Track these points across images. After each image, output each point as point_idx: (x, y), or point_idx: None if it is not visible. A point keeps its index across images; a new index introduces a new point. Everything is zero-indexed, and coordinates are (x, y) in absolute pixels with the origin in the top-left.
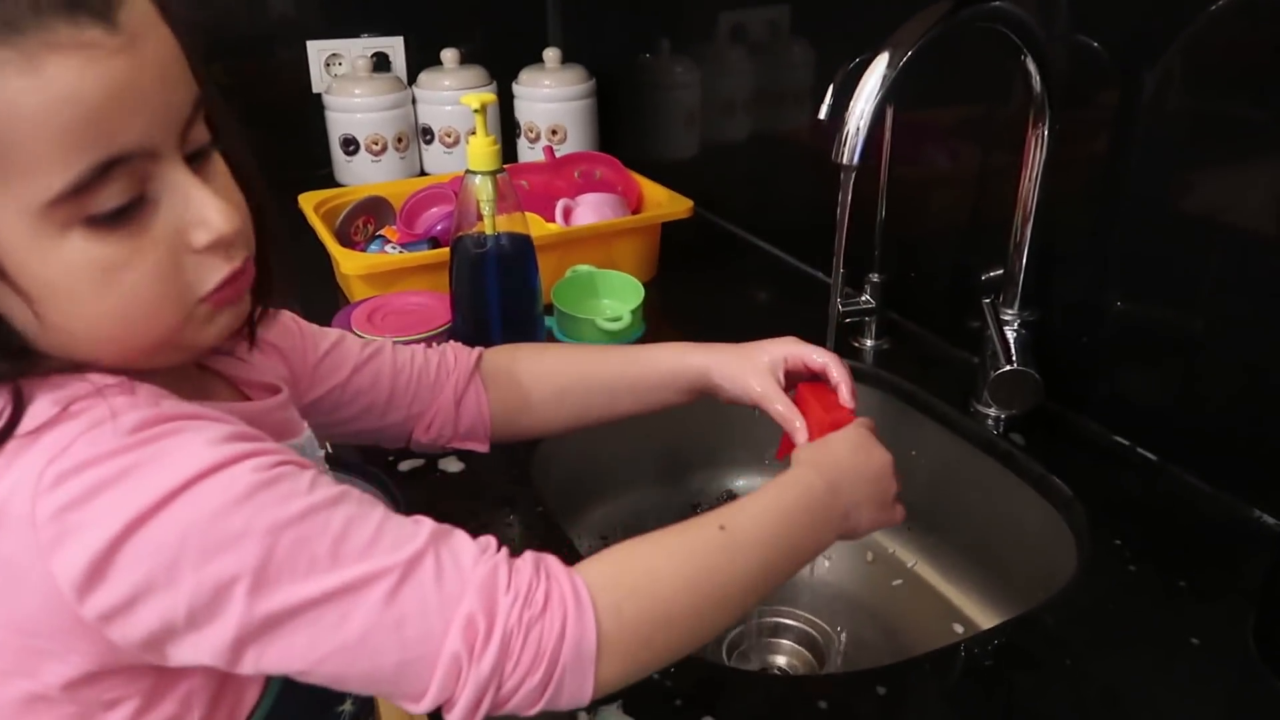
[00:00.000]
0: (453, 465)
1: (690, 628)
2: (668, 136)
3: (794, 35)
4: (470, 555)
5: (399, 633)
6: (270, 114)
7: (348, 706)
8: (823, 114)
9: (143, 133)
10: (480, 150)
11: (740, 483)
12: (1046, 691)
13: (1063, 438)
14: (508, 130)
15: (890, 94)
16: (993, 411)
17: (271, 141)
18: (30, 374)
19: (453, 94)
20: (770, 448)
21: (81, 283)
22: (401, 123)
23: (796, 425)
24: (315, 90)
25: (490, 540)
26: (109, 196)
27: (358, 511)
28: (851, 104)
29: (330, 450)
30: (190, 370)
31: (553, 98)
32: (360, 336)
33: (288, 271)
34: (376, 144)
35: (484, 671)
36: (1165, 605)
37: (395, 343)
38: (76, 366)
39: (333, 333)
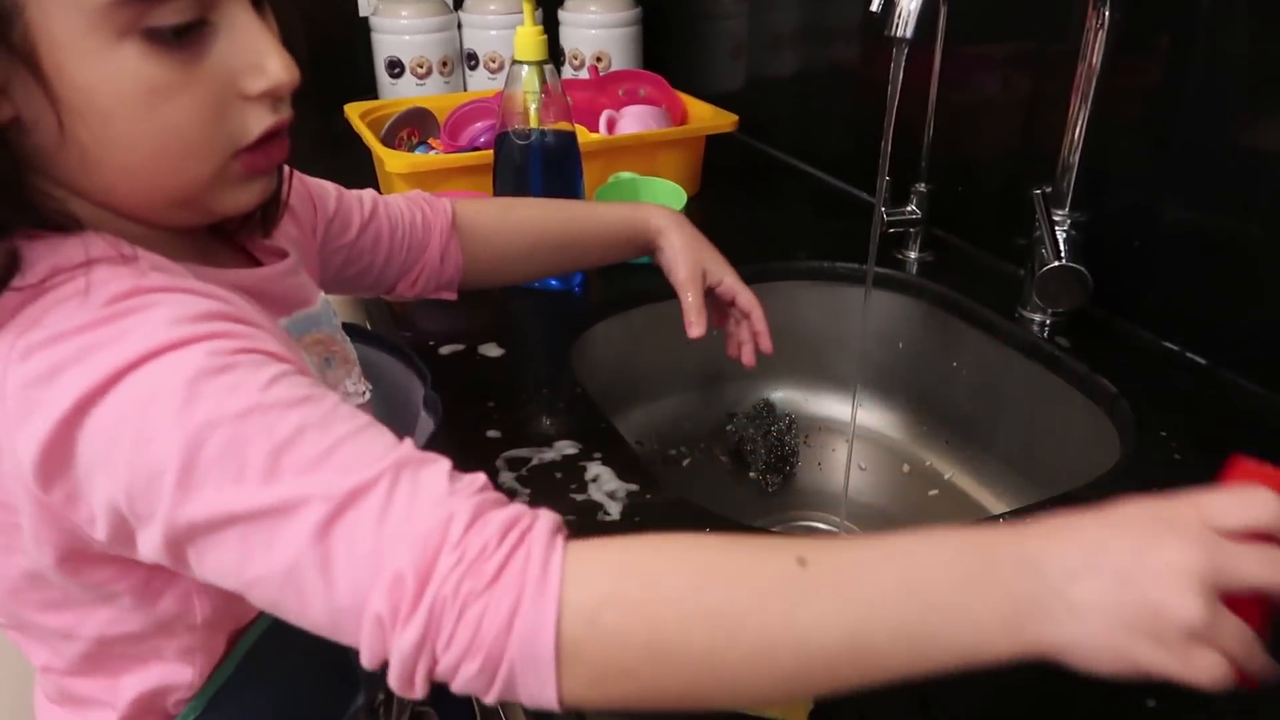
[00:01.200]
0: (493, 350)
1: (703, 678)
2: (713, 65)
3: None
4: (435, 493)
5: (325, 575)
6: (317, 36)
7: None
8: (875, 5)
9: None
10: (527, 40)
11: (778, 394)
12: None
13: (1110, 342)
14: (553, 57)
15: None
16: (1038, 317)
17: (318, 61)
18: (25, 221)
19: (498, 19)
20: (813, 361)
21: (125, 100)
22: (447, 46)
23: (701, 320)
24: (362, 14)
25: (478, 478)
26: (174, 10)
27: (317, 420)
28: None
29: (366, 325)
30: (198, 231)
31: (598, 24)
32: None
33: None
34: (421, 67)
35: (406, 644)
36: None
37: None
38: (76, 222)
39: (329, 186)
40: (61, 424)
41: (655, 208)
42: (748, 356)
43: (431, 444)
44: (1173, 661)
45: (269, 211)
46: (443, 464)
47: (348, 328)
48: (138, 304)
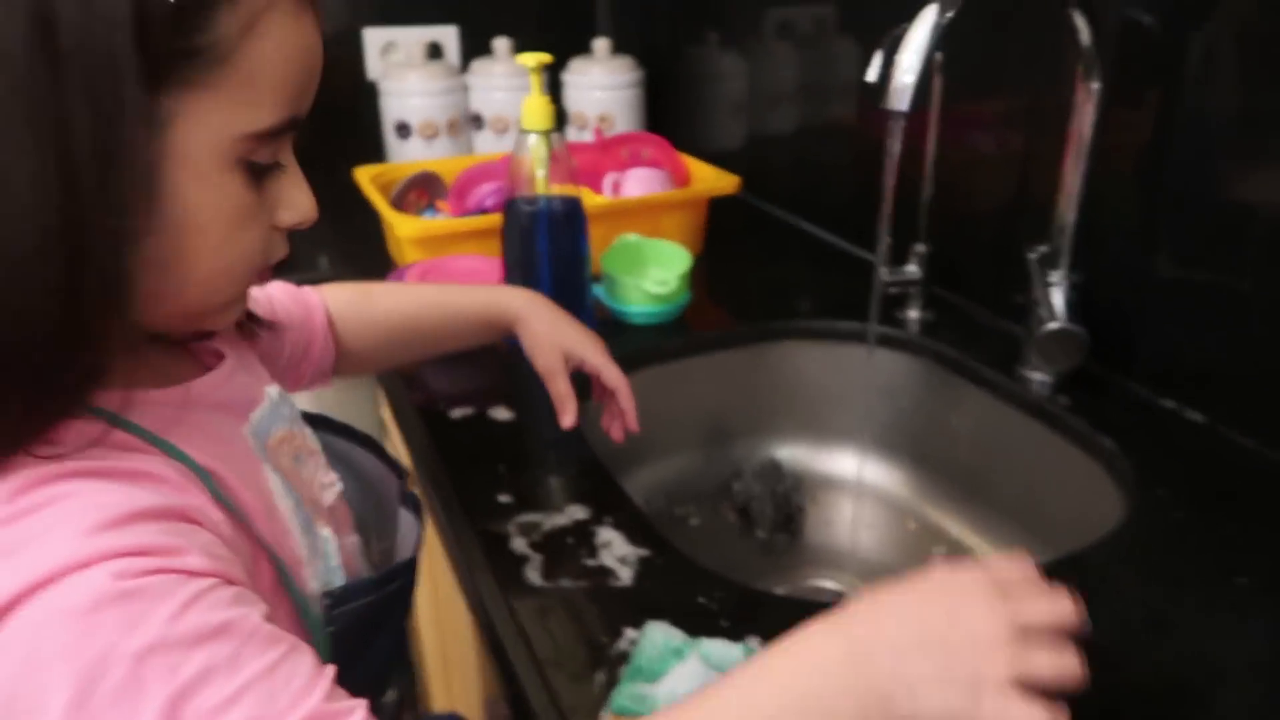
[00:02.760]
0: (502, 413)
1: None
2: (714, 125)
3: (839, 30)
4: None
5: None
6: (326, 100)
7: (390, 697)
8: (871, 75)
9: (308, 108)
10: (534, 109)
11: (784, 452)
12: (1094, 619)
13: (1109, 399)
14: (558, 119)
15: (937, 46)
16: (1038, 375)
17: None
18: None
19: (504, 80)
20: (817, 419)
21: (220, 220)
22: (454, 109)
23: (569, 407)
24: (370, 78)
25: None
26: (274, 150)
27: (226, 658)
28: (899, 54)
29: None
30: (171, 346)
31: (601, 86)
32: None
33: None
34: (429, 129)
35: None
36: (1212, 548)
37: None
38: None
39: None
40: None
41: (514, 292)
42: (616, 434)
43: (415, 547)
44: (1003, 710)
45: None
46: (356, 717)
47: (313, 418)
48: (53, 494)
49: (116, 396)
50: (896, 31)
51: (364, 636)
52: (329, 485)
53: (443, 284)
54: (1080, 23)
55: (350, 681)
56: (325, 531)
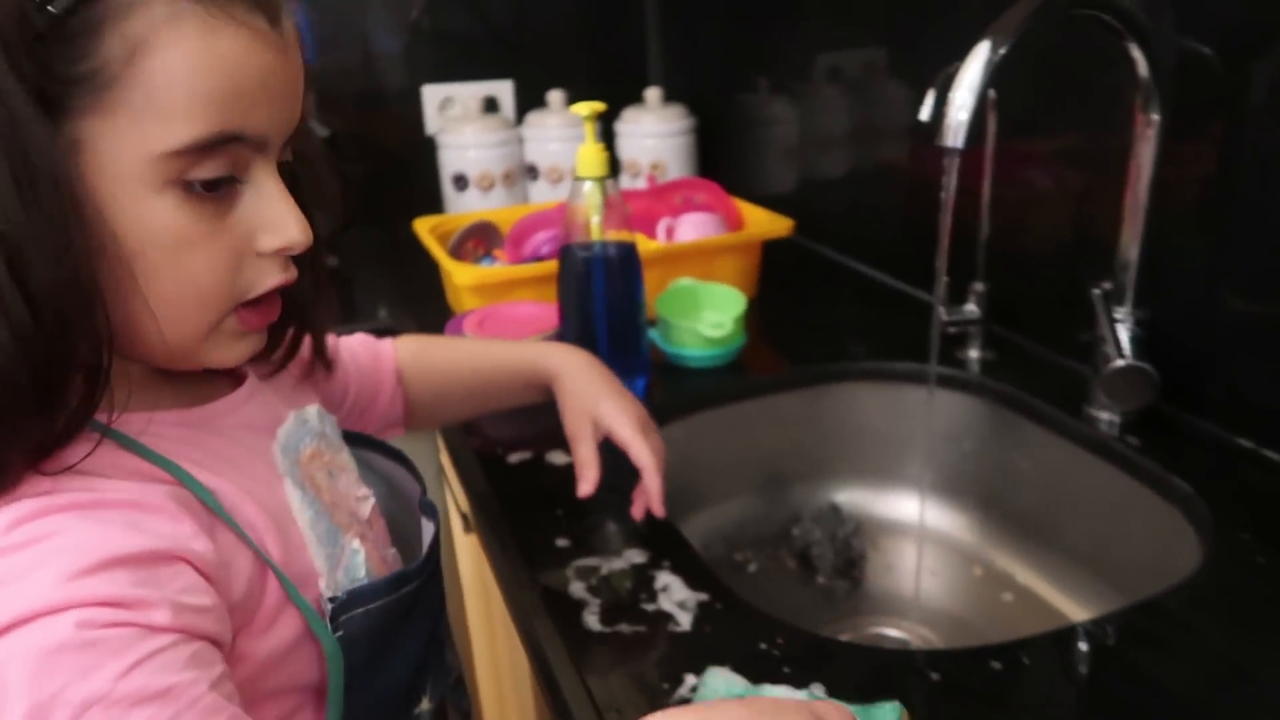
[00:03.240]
0: (559, 458)
1: None
2: (766, 169)
3: (889, 72)
4: None
5: None
6: (387, 154)
7: (425, 706)
8: (924, 114)
9: (264, 124)
10: (589, 157)
11: (843, 496)
12: (1172, 669)
13: (1181, 439)
14: (611, 167)
15: (991, 82)
16: (1106, 415)
17: (388, 179)
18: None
19: (558, 132)
20: (877, 462)
21: (153, 245)
22: (509, 160)
23: (587, 475)
24: (429, 132)
25: None
26: (213, 168)
27: None
28: (953, 92)
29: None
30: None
31: (654, 134)
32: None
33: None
34: (485, 180)
35: None
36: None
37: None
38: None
39: None
40: None
41: (557, 351)
42: (636, 511)
43: (432, 546)
44: None
45: (325, 368)
46: None
47: (353, 436)
48: (43, 531)
49: (140, 419)
50: (949, 70)
51: (381, 643)
52: (363, 499)
53: (492, 340)
54: (1138, 55)
55: (374, 690)
56: (355, 543)
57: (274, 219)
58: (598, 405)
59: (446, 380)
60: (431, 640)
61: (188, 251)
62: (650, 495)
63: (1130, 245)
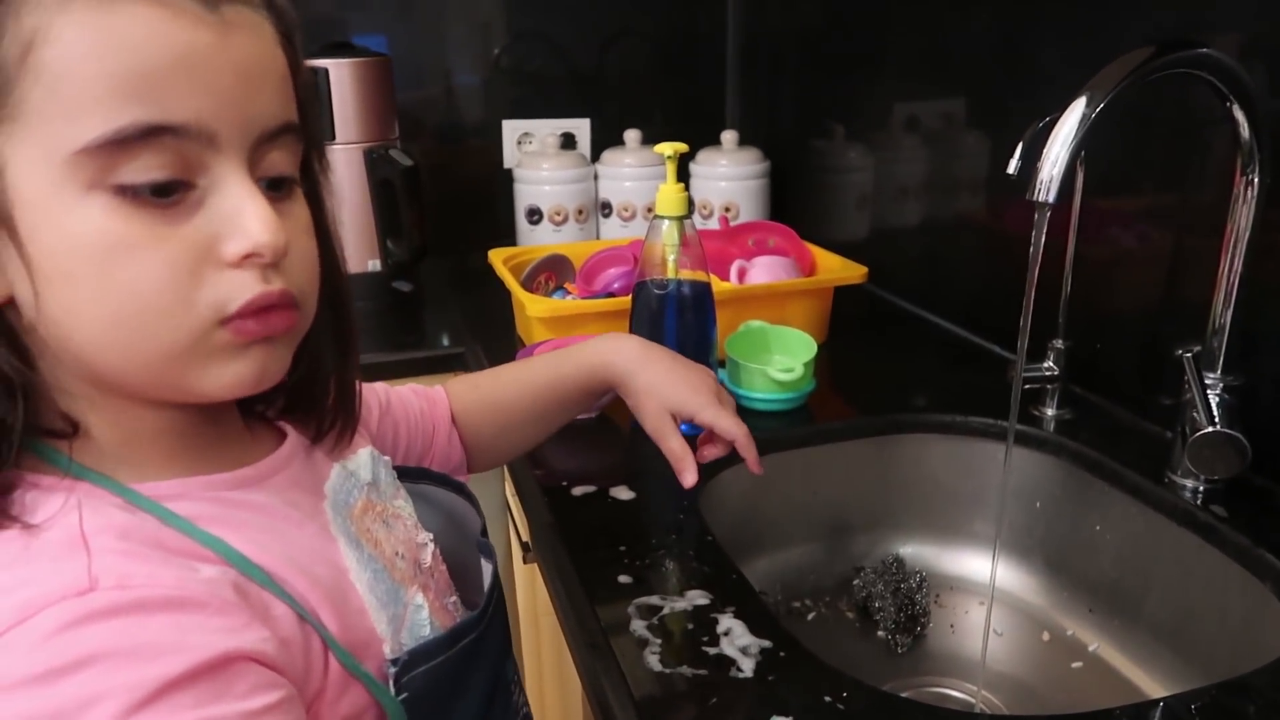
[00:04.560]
0: (624, 493)
1: None
2: (838, 217)
3: (967, 124)
4: None
5: None
6: (465, 186)
7: None
8: (1011, 168)
9: (202, 114)
10: (669, 196)
11: (907, 549)
12: None
13: (1271, 511)
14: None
15: (1085, 140)
16: (1190, 483)
17: (467, 210)
18: (26, 425)
19: (633, 170)
20: (944, 517)
21: (83, 258)
22: (583, 196)
23: (688, 465)
24: (506, 165)
25: None
26: (145, 167)
27: None
28: (1047, 146)
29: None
30: (212, 412)
31: (728, 176)
32: None
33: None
34: (559, 215)
35: None
36: None
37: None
38: (73, 425)
39: None
40: None
41: (614, 349)
42: (709, 453)
43: (490, 591)
44: None
45: (343, 422)
46: None
47: (408, 471)
48: (83, 652)
49: (175, 485)
50: (1039, 125)
51: (445, 695)
52: (423, 545)
53: (536, 358)
54: (1240, 116)
55: None
56: (418, 598)
57: (233, 222)
58: (672, 396)
59: (504, 412)
60: (498, 683)
61: (122, 261)
62: (749, 462)
63: (1224, 309)
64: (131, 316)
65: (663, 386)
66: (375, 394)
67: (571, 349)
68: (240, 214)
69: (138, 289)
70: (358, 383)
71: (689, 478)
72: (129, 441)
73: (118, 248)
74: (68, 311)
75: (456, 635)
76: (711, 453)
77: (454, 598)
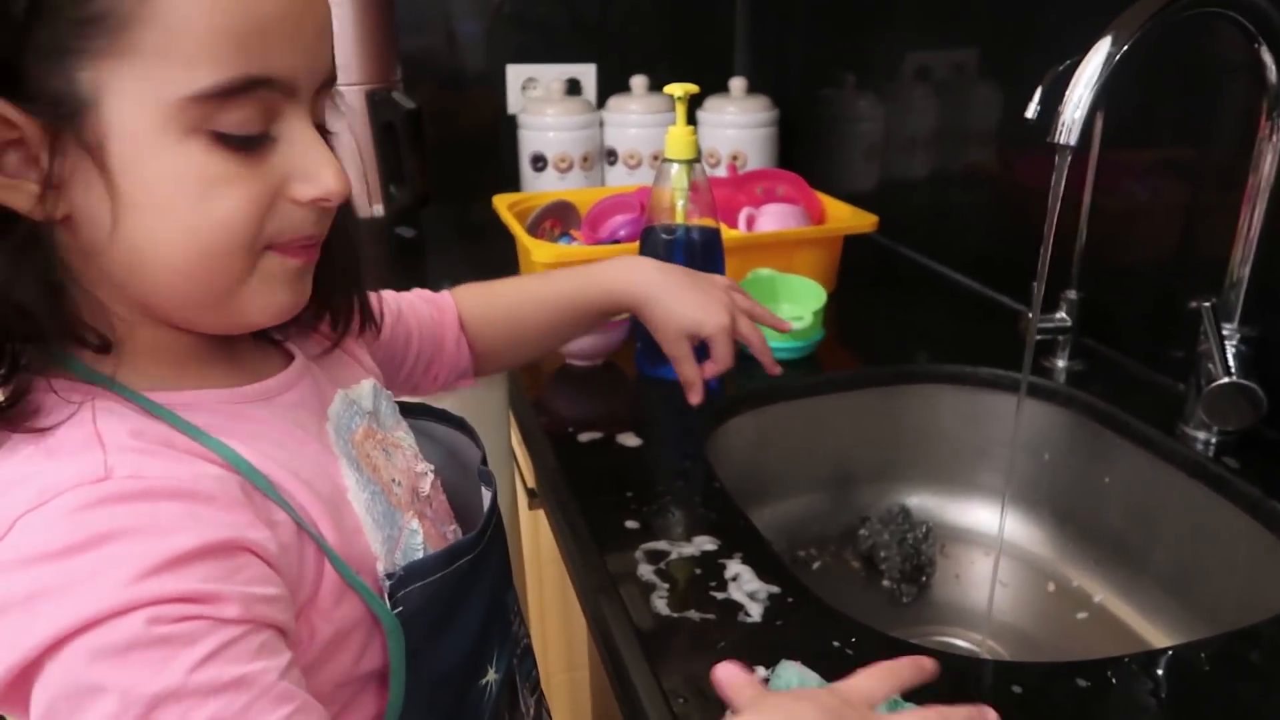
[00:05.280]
0: (630, 440)
1: None
2: (848, 166)
3: (979, 74)
4: None
5: None
6: (468, 132)
7: (491, 677)
8: (1030, 112)
9: (292, 67)
10: (679, 139)
11: (914, 500)
12: (1269, 700)
13: None
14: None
15: (1109, 83)
16: (1202, 435)
17: (470, 156)
18: (61, 335)
19: (639, 118)
20: (951, 468)
21: (181, 193)
22: (588, 143)
23: (696, 388)
24: (510, 111)
25: None
26: (243, 120)
27: (234, 713)
28: (1070, 88)
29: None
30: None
31: (736, 124)
32: None
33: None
34: (564, 162)
35: None
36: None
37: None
38: (107, 342)
39: None
40: (12, 674)
41: (628, 272)
42: (710, 370)
43: (488, 517)
44: None
45: (364, 318)
46: None
47: (412, 406)
48: (100, 530)
49: (187, 396)
50: (1059, 69)
51: (441, 617)
52: (423, 475)
53: (560, 272)
54: (1268, 59)
55: (437, 663)
56: (413, 523)
57: (310, 168)
58: (689, 320)
59: (519, 325)
60: (496, 611)
61: (217, 194)
62: (764, 363)
63: (1243, 260)
64: (214, 244)
65: (681, 311)
66: (386, 303)
67: (591, 269)
68: (313, 161)
69: (226, 222)
70: (366, 293)
71: (696, 397)
72: (150, 357)
73: (214, 185)
74: (152, 240)
75: (453, 555)
76: (712, 370)
77: (453, 526)
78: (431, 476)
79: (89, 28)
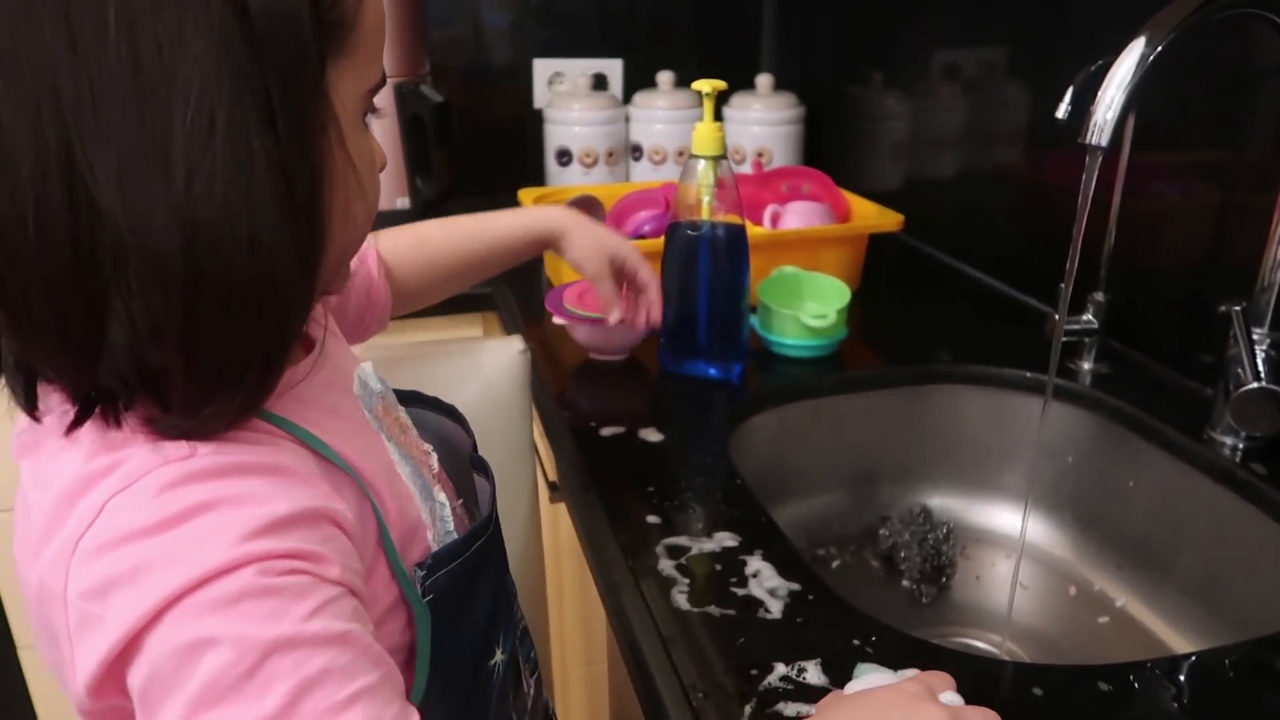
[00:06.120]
0: (653, 435)
1: None
2: (874, 165)
3: (1007, 73)
4: None
5: None
6: (494, 125)
7: (499, 658)
8: (1061, 112)
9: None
10: (706, 135)
11: (935, 500)
12: None
13: None
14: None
15: (1142, 84)
16: (1229, 440)
17: (497, 149)
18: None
19: (665, 114)
20: (973, 469)
21: (368, 170)
22: (614, 139)
23: (618, 306)
24: (537, 106)
25: None
26: (373, 106)
27: (344, 665)
28: (1103, 88)
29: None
30: None
31: (761, 121)
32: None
33: None
34: (589, 157)
35: None
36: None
37: None
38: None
39: None
40: (114, 653)
41: (554, 210)
42: (640, 320)
43: (491, 505)
44: None
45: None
46: None
47: (400, 394)
48: (197, 501)
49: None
50: (1091, 69)
51: (459, 601)
52: (429, 453)
53: (481, 216)
54: None
55: (456, 645)
56: (442, 496)
57: (376, 145)
58: (608, 243)
59: (444, 269)
60: (500, 592)
61: (375, 175)
62: (653, 304)
63: (1275, 264)
64: (368, 218)
65: (601, 238)
66: None
67: (512, 211)
68: (376, 141)
69: (377, 192)
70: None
71: (616, 315)
72: None
73: (374, 163)
74: (348, 213)
75: (470, 538)
76: (650, 306)
77: (460, 501)
78: (435, 456)
79: (332, 30)
